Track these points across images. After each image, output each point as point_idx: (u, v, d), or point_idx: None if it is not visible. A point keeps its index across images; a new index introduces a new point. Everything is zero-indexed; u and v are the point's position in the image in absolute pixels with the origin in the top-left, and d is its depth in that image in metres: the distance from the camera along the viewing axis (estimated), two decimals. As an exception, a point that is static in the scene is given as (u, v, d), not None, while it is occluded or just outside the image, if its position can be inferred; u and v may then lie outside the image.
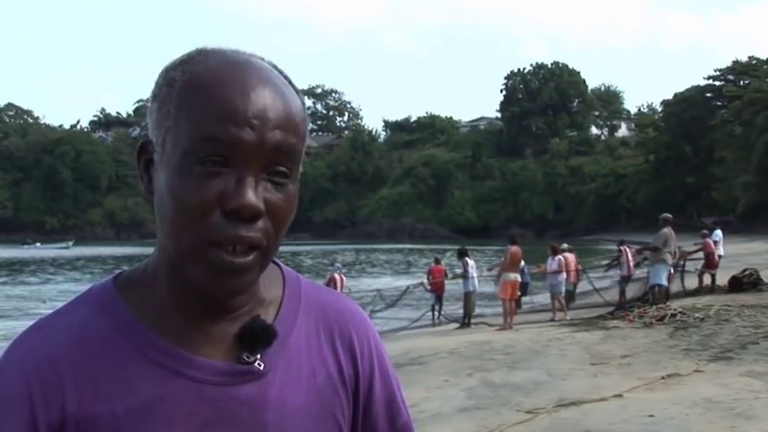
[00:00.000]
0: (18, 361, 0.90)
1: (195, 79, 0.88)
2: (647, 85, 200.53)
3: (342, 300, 1.06)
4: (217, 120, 0.85)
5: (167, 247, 0.90)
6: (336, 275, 17.40)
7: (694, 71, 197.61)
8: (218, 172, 0.85)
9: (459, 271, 16.52)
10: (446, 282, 18.17)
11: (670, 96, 70.15)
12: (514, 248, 14.60)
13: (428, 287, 18.48)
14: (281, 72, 0.93)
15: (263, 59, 0.93)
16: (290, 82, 0.93)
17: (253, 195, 0.85)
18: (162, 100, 0.90)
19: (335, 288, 15.54)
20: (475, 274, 16.47)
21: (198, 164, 0.85)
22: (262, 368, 0.93)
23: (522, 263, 18.21)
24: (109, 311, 0.93)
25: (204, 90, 0.87)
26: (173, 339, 0.92)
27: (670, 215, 14.45)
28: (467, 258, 16.60)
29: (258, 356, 0.93)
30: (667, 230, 13.91)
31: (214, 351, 0.93)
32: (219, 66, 0.88)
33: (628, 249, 17.30)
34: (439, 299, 18.03)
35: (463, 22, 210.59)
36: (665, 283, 13.90)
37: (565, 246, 18.42)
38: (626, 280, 16.88)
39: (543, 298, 19.74)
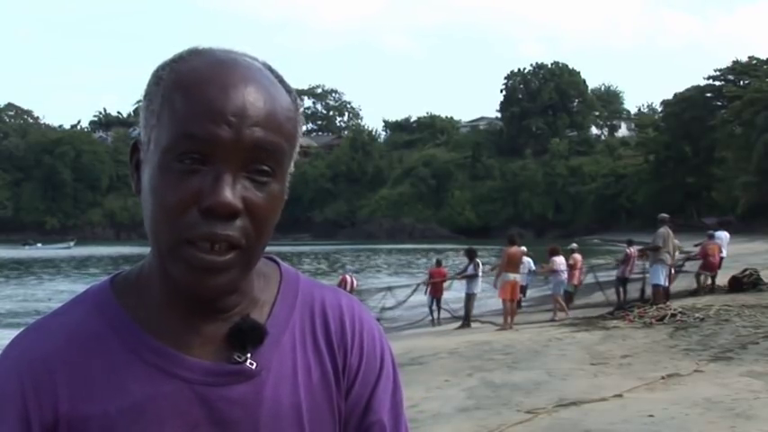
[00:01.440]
0: (13, 361, 0.91)
1: (179, 78, 0.88)
2: (646, 85, 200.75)
3: (340, 296, 1.05)
4: (195, 117, 0.85)
5: (152, 245, 0.90)
6: (348, 277, 18.06)
7: (693, 71, 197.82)
8: (197, 170, 0.85)
9: (471, 271, 16.41)
10: (456, 280, 18.02)
11: (670, 96, 70.22)
12: (512, 249, 14.54)
13: (427, 287, 18.50)
14: (273, 72, 0.93)
15: (255, 59, 0.93)
16: (282, 81, 0.93)
17: (230, 193, 0.85)
18: (150, 99, 0.90)
19: (345, 289, 15.71)
20: (480, 274, 16.50)
21: (177, 161, 0.85)
22: (254, 367, 0.93)
23: (531, 264, 18.23)
24: (104, 312, 0.94)
25: (186, 88, 0.87)
26: (166, 340, 0.92)
27: (667, 215, 14.53)
28: (478, 260, 16.64)
29: (249, 356, 0.93)
30: (665, 230, 13.95)
31: (206, 351, 0.93)
32: (204, 65, 0.89)
33: (631, 251, 17.16)
34: (436, 301, 18.02)
35: (462, 22, 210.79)
36: (663, 282, 13.93)
37: (574, 245, 18.38)
38: (621, 281, 16.83)
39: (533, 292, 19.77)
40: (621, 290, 16.54)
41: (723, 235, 18.18)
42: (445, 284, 18.21)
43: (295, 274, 1.03)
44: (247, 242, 0.87)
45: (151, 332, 0.92)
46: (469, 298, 16.12)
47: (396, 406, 1.03)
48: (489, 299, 17.89)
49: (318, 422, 0.96)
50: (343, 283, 17.15)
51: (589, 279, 19.04)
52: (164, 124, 0.87)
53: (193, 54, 0.91)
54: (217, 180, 0.85)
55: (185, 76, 0.88)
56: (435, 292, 18.01)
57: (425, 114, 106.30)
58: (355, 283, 18.47)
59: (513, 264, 14.45)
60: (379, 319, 15.17)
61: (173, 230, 0.86)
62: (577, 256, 17.57)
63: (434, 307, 17.98)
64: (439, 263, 19.67)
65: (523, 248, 15.22)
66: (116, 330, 0.92)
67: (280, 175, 0.90)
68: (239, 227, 0.86)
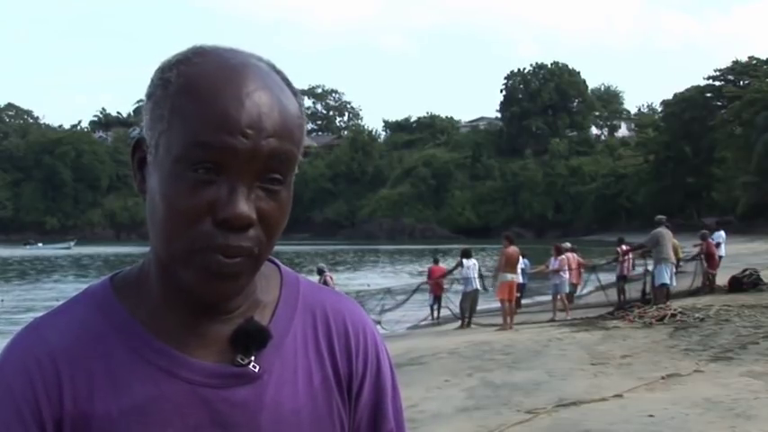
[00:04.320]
0: (19, 357, 0.91)
1: (190, 83, 0.86)
2: (646, 85, 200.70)
3: (341, 300, 1.04)
4: (210, 127, 0.84)
5: (158, 249, 0.90)
6: (327, 275, 18.12)
7: (691, 71, 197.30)
8: (211, 180, 0.84)
9: (469, 272, 16.30)
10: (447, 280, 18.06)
11: (669, 96, 70.30)
12: (511, 249, 14.50)
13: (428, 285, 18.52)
14: (279, 73, 0.92)
15: (261, 59, 0.91)
16: (289, 83, 0.92)
17: (245, 205, 0.84)
18: (156, 101, 0.88)
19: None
20: (474, 275, 16.33)
21: (190, 170, 0.84)
22: (257, 370, 0.92)
23: (525, 263, 18.20)
24: (106, 311, 0.93)
25: (198, 95, 0.85)
26: (167, 340, 0.91)
27: (663, 216, 14.65)
28: (463, 260, 16.54)
29: (253, 359, 0.92)
30: (660, 230, 14.00)
31: (208, 353, 0.92)
32: (215, 69, 0.87)
33: (622, 248, 17.17)
34: (437, 299, 18.05)
35: (461, 22, 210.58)
36: (668, 282, 13.96)
37: (567, 245, 18.35)
38: (622, 279, 16.83)
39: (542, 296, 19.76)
40: (622, 289, 16.53)
41: (721, 234, 18.35)
42: (446, 284, 18.20)
43: (295, 277, 1.03)
44: (259, 250, 0.87)
45: (152, 332, 0.92)
46: (465, 297, 16.04)
47: (399, 411, 1.04)
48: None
49: (319, 427, 0.95)
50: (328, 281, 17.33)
51: (590, 279, 19.03)
52: (174, 131, 0.85)
53: (199, 55, 0.88)
54: (232, 192, 0.84)
55: (196, 80, 0.86)
56: (435, 290, 18.02)
57: (425, 114, 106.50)
58: (332, 280, 18.66)
59: (510, 264, 14.42)
60: (378, 322, 15.22)
61: (186, 239, 0.85)
62: (570, 255, 17.52)
63: (435, 306, 18.01)
64: (436, 261, 19.74)
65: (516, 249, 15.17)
66: (118, 330, 0.92)
67: (289, 180, 0.89)
68: (253, 237, 0.86)
